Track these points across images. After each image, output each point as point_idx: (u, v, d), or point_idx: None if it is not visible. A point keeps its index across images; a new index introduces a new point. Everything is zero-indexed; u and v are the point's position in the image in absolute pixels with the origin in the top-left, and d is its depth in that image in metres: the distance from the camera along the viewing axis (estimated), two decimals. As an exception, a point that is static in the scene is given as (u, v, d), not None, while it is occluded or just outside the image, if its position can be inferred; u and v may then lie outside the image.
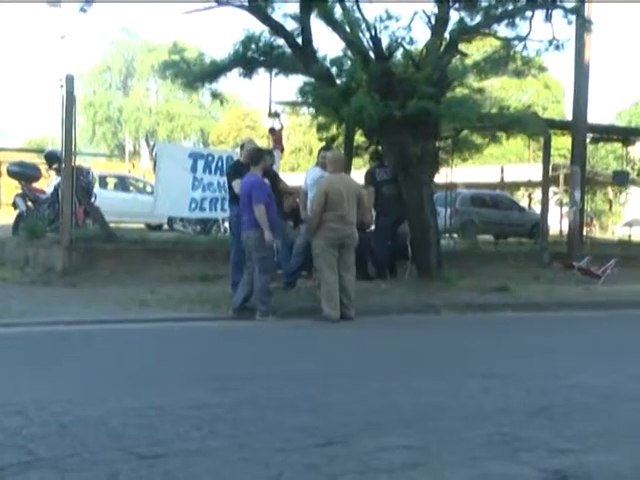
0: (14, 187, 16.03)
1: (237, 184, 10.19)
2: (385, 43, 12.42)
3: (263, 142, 22.70)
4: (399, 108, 11.57)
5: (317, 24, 12.70)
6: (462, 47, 13.54)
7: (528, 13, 13.37)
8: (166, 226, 20.09)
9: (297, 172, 42.57)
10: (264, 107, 23.58)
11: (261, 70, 13.36)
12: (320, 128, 13.91)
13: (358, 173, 15.62)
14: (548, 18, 13.42)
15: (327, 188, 9.94)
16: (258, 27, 12.75)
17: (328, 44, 13.44)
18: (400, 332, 9.65)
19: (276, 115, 18.41)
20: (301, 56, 12.66)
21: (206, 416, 4.95)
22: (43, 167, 16.11)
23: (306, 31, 12.64)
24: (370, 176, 12.91)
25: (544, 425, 5.03)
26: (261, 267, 9.61)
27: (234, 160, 11.65)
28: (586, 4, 16.04)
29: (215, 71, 12.97)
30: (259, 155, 10.14)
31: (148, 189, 21.34)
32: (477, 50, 18.20)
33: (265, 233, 9.50)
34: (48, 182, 18.20)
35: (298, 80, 13.22)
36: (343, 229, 9.83)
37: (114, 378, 6.13)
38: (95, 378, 6.12)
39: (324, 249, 9.86)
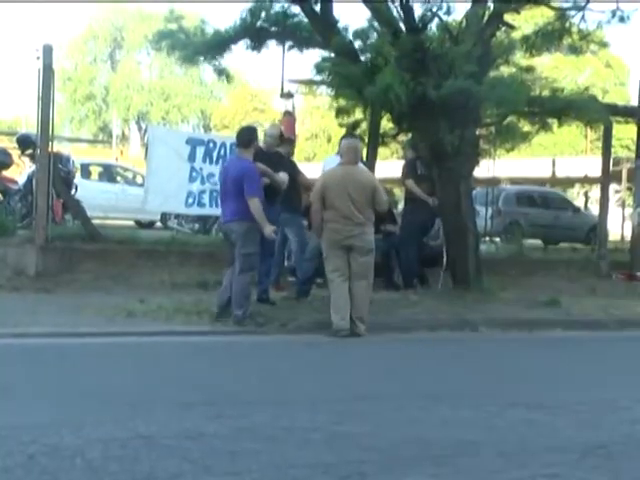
0: (-20, 176, 16.10)
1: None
2: (418, 12, 12.40)
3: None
4: (433, 89, 11.53)
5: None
6: (508, 18, 13.49)
7: (588, -23, 13.33)
8: (159, 224, 20.15)
9: (314, 162, 42.54)
10: (275, 87, 23.62)
11: (272, 43, 13.36)
12: (340, 112, 13.85)
13: (384, 164, 15.60)
14: (611, -17, 13.38)
15: (325, 182, 10.03)
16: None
17: (351, 13, 13.39)
18: (431, 352, 9.63)
19: (289, 96, 18.42)
20: (319, 27, 12.66)
21: (200, 448, 4.94)
22: (15, 153, 16.16)
23: (326, -3, 12.64)
24: (411, 167, 12.96)
25: (599, 465, 4.99)
26: (244, 265, 9.66)
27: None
28: (656, -32, 15.94)
29: (219, 43, 12.98)
30: (250, 135, 10.14)
31: (138, 180, 21.43)
32: (526, 22, 18.10)
33: (265, 229, 9.59)
34: (21, 170, 18.28)
35: (315, 55, 13.23)
36: (346, 230, 9.78)
37: (93, 401, 6.11)
38: (70, 401, 6.12)
39: (328, 252, 9.90)
